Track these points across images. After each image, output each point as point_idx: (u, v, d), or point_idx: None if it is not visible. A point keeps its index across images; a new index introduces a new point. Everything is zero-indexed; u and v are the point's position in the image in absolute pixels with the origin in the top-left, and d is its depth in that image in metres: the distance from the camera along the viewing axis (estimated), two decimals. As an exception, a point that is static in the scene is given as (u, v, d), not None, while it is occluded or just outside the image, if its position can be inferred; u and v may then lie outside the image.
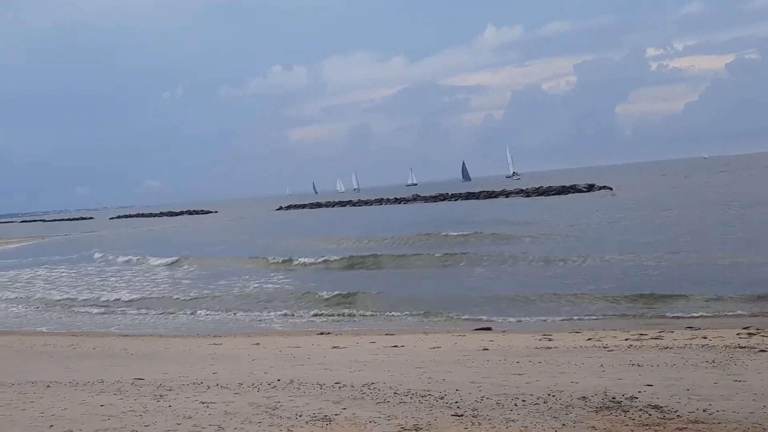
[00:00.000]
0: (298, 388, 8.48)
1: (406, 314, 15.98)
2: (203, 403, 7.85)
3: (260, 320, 16.98)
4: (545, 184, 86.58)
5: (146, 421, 7.08)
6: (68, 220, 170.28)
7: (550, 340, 12.15)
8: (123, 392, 8.70)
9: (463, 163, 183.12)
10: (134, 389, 8.86)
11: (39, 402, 8.24)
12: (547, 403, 7.25)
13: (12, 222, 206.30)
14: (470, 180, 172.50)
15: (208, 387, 8.80)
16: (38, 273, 32.09)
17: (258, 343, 12.97)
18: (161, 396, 8.30)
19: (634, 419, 6.51)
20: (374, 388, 8.31)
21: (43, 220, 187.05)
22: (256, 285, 22.47)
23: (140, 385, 9.10)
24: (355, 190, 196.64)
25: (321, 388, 8.43)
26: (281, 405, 7.57)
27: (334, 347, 12.13)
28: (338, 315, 16.73)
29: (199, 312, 18.00)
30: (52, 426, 7.03)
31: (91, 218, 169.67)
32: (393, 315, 16.08)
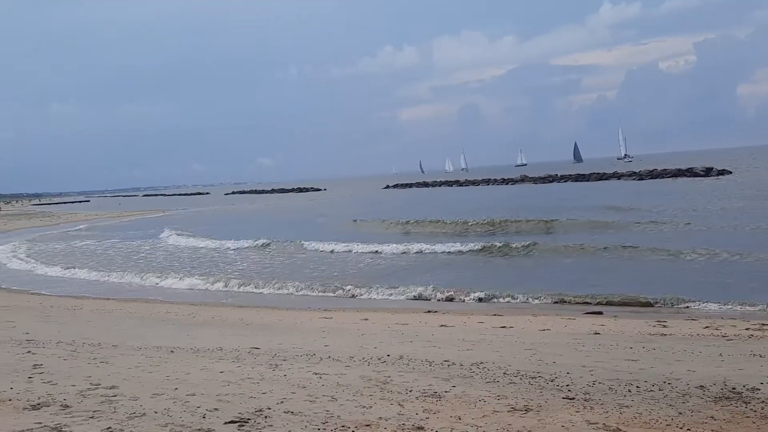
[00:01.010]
0: (408, 364, 8.61)
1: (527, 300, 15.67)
2: (316, 374, 8.11)
3: (368, 297, 17.22)
4: (659, 167, 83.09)
5: (263, 388, 7.40)
6: (186, 194, 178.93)
7: (664, 326, 11.74)
8: (241, 360, 9.11)
9: (575, 144, 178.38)
10: (251, 358, 9.26)
11: (164, 366, 8.75)
12: (662, 390, 7.04)
13: (135, 196, 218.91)
14: (582, 161, 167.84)
15: (321, 359, 9.08)
16: (160, 245, 33.91)
17: (367, 319, 13.24)
18: (276, 365, 8.64)
19: (756, 411, 6.23)
20: (483, 367, 8.33)
21: (164, 195, 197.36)
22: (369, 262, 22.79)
23: (256, 354, 9.50)
24: (463, 169, 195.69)
25: (430, 365, 8.53)
26: (391, 380, 7.72)
27: (442, 325, 12.22)
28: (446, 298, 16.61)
29: (314, 287, 18.31)
30: (176, 389, 7.46)
31: (207, 193, 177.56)
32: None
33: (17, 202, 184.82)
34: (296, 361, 8.99)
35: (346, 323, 12.91)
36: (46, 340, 10.88)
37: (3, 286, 20.27)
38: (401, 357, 9.06)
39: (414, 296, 16.44)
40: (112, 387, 7.56)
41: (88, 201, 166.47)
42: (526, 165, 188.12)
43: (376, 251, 24.71)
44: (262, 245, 29.61)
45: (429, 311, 14.47)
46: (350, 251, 25.39)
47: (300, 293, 17.96)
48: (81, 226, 54.58)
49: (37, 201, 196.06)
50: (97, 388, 7.50)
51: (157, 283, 20.31)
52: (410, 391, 7.14)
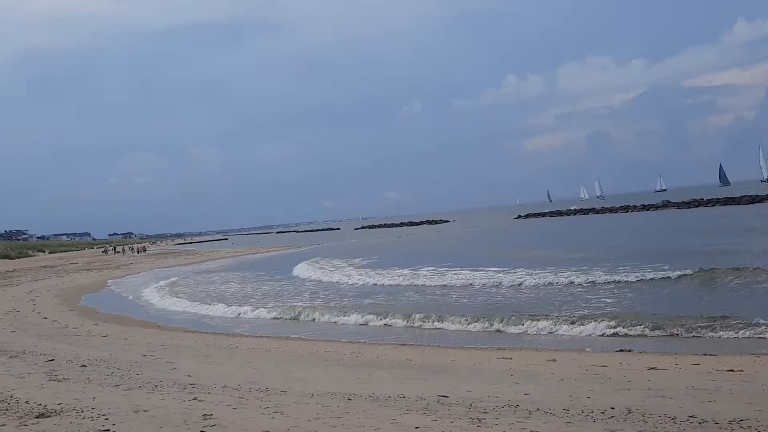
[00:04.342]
0: (644, 421, 7.01)
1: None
2: (532, 431, 6.69)
3: (550, 332, 15.40)
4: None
5: (477, 452, 6.06)
6: (318, 230, 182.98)
7: None
8: (432, 412, 7.84)
9: (720, 166, 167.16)
10: (444, 409, 7.96)
11: (346, 418, 7.62)
12: None
13: (269, 233, 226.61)
14: (729, 184, 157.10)
15: (529, 412, 7.65)
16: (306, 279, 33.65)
17: (554, 360, 11.65)
18: (479, 420, 7.29)
19: None
20: (748, 426, 6.59)
21: (296, 231, 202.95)
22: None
23: (448, 405, 8.19)
24: (598, 197, 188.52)
25: (674, 422, 6.89)
26: (636, 443, 6.16)
27: (651, 368, 10.42)
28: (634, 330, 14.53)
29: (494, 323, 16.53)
30: (372, 450, 6.26)
31: (338, 228, 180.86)
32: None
33: (162, 241, 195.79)
34: (500, 414, 7.60)
35: (531, 365, 11.37)
36: (210, 384, 10.09)
37: (159, 324, 20.20)
38: (630, 411, 7.46)
39: (609, 332, 14.35)
40: (297, 446, 6.46)
41: (227, 239, 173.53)
42: (666, 190, 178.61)
43: (550, 282, 22.73)
44: (408, 277, 28.52)
45: (622, 350, 12.65)
46: (520, 283, 23.45)
47: (454, 327, 16.37)
48: (223, 262, 55.99)
49: (180, 240, 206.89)
50: (279, 448, 6.43)
51: (314, 319, 19.45)
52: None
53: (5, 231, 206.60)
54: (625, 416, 7.25)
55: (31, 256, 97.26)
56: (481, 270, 28.23)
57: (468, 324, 16.46)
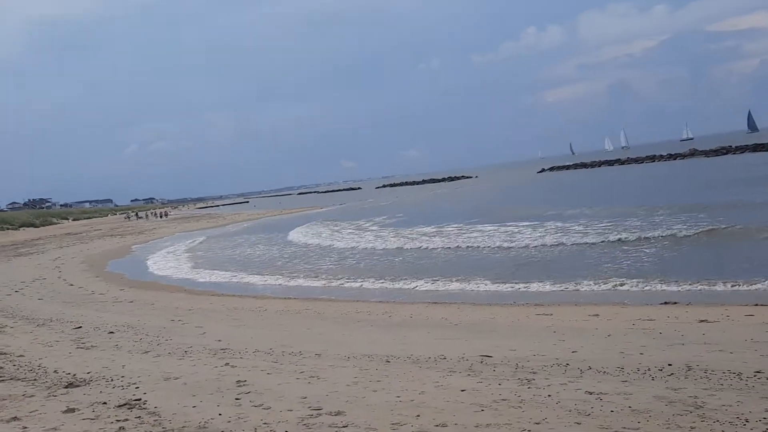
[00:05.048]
0: (707, 377, 6.59)
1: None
2: (589, 393, 6.30)
3: (587, 288, 14.84)
4: None
5: (533, 416, 5.70)
6: (339, 190, 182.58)
7: None
8: (477, 373, 7.47)
9: (749, 112, 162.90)
10: (489, 370, 7.58)
11: (386, 382, 7.28)
12: None
13: (290, 194, 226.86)
14: (758, 131, 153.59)
15: (580, 371, 7.25)
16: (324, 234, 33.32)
17: (597, 315, 11.18)
18: (529, 381, 6.90)
19: None
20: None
21: (317, 192, 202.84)
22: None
23: (492, 365, 7.81)
24: (623, 148, 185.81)
25: (740, 378, 6.46)
26: (703, 402, 5.74)
27: (702, 321, 9.93)
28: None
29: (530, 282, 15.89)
30: (418, 416, 5.94)
31: (359, 188, 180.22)
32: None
33: (183, 206, 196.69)
34: (550, 374, 7.20)
35: (573, 320, 10.91)
36: (241, 348, 9.80)
37: (186, 288, 20.01)
38: (690, 367, 7.02)
39: (650, 287, 13.76)
40: (338, 413, 6.14)
41: (248, 202, 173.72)
42: (692, 139, 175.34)
43: (579, 241, 21.89)
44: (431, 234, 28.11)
45: (666, 302, 12.14)
46: (555, 242, 22.60)
47: (483, 288, 15.80)
48: (246, 225, 55.87)
49: (202, 204, 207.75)
50: (320, 415, 6.11)
51: (341, 284, 18.96)
52: (744, 420, 5.15)
53: (29, 200, 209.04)
54: (686, 373, 6.81)
55: (55, 223, 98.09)
56: (510, 225, 27.74)
57: (503, 284, 15.95)
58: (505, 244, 22.86)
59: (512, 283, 15.66)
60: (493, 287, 15.62)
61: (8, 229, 78.06)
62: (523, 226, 27.38)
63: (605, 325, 10.19)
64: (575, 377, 6.99)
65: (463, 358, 8.31)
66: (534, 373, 7.29)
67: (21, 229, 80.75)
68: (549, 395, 6.31)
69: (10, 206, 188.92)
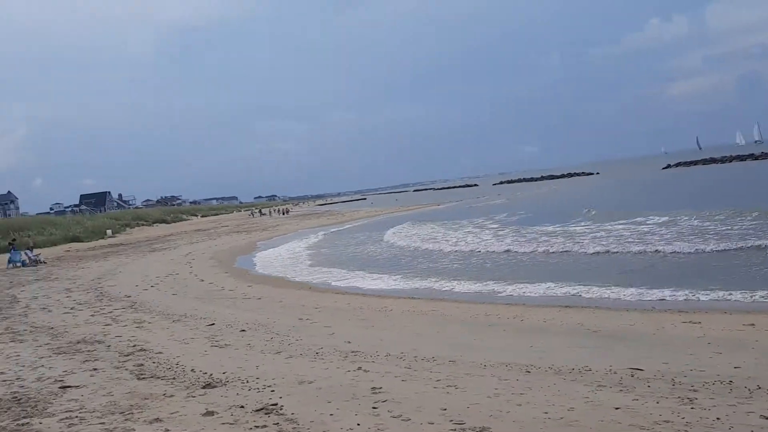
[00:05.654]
0: None
1: None
2: (765, 417, 5.61)
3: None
4: None
5: (704, 443, 5.09)
6: (455, 187, 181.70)
7: None
8: (629, 388, 6.89)
9: None
10: (642, 385, 6.99)
11: (530, 395, 6.87)
12: None
13: (406, 191, 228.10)
14: None
15: (749, 390, 6.55)
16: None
17: (753, 324, 10.19)
18: (690, 400, 6.30)
19: None
20: None
21: (433, 189, 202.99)
22: None
23: (645, 380, 7.22)
24: (756, 142, 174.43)
25: None
26: None
27: None
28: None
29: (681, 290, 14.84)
30: (572, 436, 5.44)
31: (476, 185, 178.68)
32: None
33: (303, 203, 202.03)
34: (714, 393, 6.55)
35: (726, 330, 10.00)
36: (371, 351, 9.62)
37: (311, 285, 20.20)
38: None
39: None
40: (483, 429, 5.80)
41: (365, 199, 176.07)
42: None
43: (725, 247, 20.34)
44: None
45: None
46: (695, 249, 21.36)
47: (613, 292, 14.90)
48: (365, 222, 56.43)
49: (321, 201, 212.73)
50: (463, 430, 5.76)
51: (465, 284, 18.54)
52: None
53: (161, 197, 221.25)
54: None
55: (185, 220, 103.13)
56: (641, 224, 26.41)
57: (637, 288, 15.01)
58: (636, 248, 21.65)
59: (645, 287, 14.71)
60: (627, 291, 14.73)
61: (143, 225, 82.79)
62: (653, 225, 26.04)
63: (766, 337, 9.28)
64: (744, 398, 6.31)
65: (610, 370, 7.74)
66: (695, 391, 6.64)
67: (154, 225, 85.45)
68: (717, 418, 5.69)
69: (144, 203, 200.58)
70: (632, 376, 7.42)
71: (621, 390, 6.86)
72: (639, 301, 13.50)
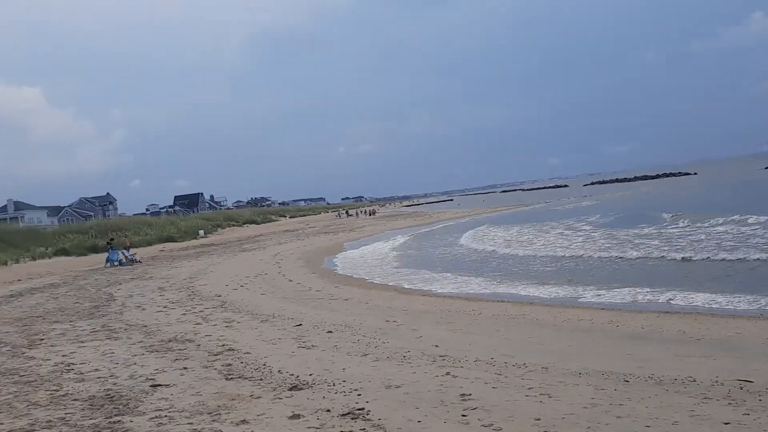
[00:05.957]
0: None
1: None
2: None
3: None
4: None
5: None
6: (544, 188, 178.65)
7: None
8: (738, 402, 6.42)
9: None
10: (753, 398, 6.51)
11: (630, 407, 6.48)
12: None
13: (494, 192, 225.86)
14: None
15: None
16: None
17: None
18: (811, 418, 5.75)
19: None
20: None
21: (522, 189, 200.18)
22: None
23: (756, 393, 6.73)
24: None
25: None
26: None
27: None
28: None
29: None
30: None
31: (566, 186, 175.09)
32: None
33: (389, 204, 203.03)
34: (836, 410, 5.97)
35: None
36: (460, 356, 9.38)
37: (397, 287, 20.10)
38: None
39: None
40: (580, 442, 5.43)
41: (452, 200, 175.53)
42: None
43: None
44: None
45: None
46: None
47: (714, 299, 14.05)
48: (451, 223, 56.05)
49: (407, 202, 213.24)
50: (559, 443, 5.44)
51: (554, 288, 18.07)
52: None
53: (251, 198, 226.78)
54: None
55: (273, 221, 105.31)
56: (743, 225, 25.07)
57: (741, 295, 14.14)
58: (737, 251, 20.49)
59: (749, 294, 13.84)
60: (731, 298, 13.90)
61: (234, 225, 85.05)
62: (756, 226, 24.70)
63: None
64: None
65: (716, 381, 7.24)
66: (814, 408, 6.11)
67: (245, 225, 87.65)
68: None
69: (235, 204, 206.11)
70: (741, 388, 6.92)
71: (729, 403, 6.39)
72: (745, 309, 12.70)
